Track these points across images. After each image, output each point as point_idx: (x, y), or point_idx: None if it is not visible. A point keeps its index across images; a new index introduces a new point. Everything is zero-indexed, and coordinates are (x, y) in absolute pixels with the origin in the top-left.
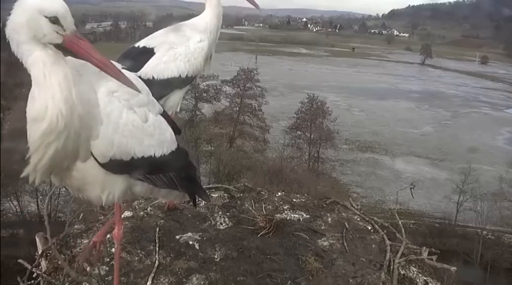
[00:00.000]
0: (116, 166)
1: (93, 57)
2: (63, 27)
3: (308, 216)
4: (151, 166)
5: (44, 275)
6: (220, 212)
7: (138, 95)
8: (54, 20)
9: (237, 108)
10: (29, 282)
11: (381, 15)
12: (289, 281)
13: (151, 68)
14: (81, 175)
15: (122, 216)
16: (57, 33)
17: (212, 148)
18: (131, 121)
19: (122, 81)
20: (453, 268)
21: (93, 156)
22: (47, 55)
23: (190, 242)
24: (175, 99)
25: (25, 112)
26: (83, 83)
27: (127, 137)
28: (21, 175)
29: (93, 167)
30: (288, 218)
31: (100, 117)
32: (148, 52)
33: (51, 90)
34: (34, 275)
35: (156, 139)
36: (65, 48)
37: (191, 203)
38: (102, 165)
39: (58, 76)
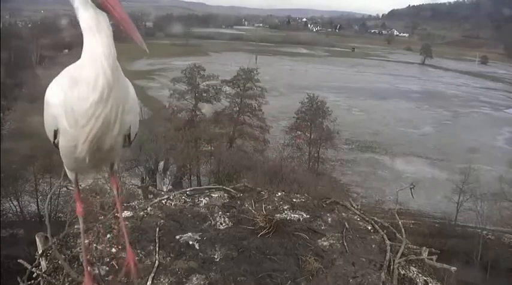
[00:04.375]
0: (130, 141)
1: (116, 10)
2: None
3: (308, 216)
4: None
5: (44, 275)
6: (220, 212)
7: None
8: None
9: (237, 108)
10: (29, 282)
11: (380, 15)
12: (289, 281)
13: None
14: (111, 150)
15: (123, 216)
16: None
17: (212, 148)
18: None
19: (135, 38)
20: (453, 268)
21: (127, 137)
22: (96, 20)
23: (190, 242)
24: None
25: (25, 111)
26: None
27: (137, 116)
28: (75, 155)
29: (119, 144)
30: (288, 218)
31: (128, 90)
32: None
33: (100, 60)
34: (34, 275)
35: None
36: (98, 4)
37: (191, 204)
38: (128, 142)
39: (105, 47)
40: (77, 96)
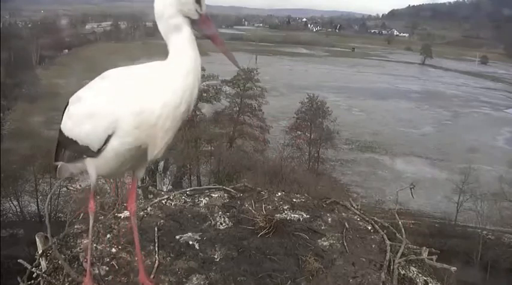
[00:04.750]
0: None
1: (216, 35)
2: (201, 7)
3: (308, 216)
4: None
5: (44, 275)
6: (220, 212)
7: None
8: (197, 0)
9: (237, 108)
10: (29, 282)
11: (380, 15)
12: (289, 281)
13: None
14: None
15: (122, 216)
16: (196, 10)
17: (212, 148)
18: None
19: (232, 60)
20: (453, 268)
21: None
22: (191, 37)
23: (190, 242)
24: None
25: (25, 111)
26: None
27: None
28: (151, 158)
29: None
30: (288, 218)
31: None
32: None
33: (198, 73)
34: (34, 275)
35: None
36: (197, 24)
37: (191, 204)
38: None
39: (199, 61)
40: (163, 102)
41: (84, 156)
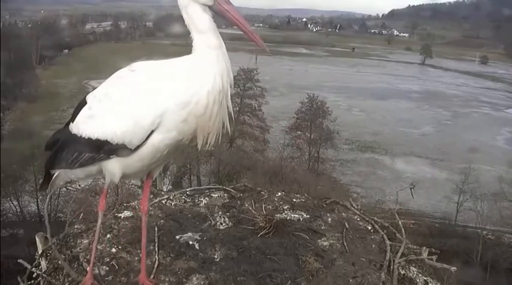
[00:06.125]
0: None
1: (237, 19)
2: None
3: (308, 216)
4: None
5: (44, 275)
6: (220, 212)
7: None
8: None
9: (237, 108)
10: (29, 282)
11: (381, 15)
12: (289, 281)
13: None
14: None
15: (122, 216)
16: None
17: (212, 148)
18: None
19: (257, 42)
20: (453, 268)
21: None
22: (212, 24)
23: (190, 242)
24: None
25: (25, 111)
26: None
27: None
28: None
29: None
30: (288, 218)
31: None
32: None
33: (226, 59)
34: (34, 275)
35: None
36: (214, 10)
37: (191, 204)
38: None
39: (223, 45)
40: (207, 90)
41: (112, 156)
